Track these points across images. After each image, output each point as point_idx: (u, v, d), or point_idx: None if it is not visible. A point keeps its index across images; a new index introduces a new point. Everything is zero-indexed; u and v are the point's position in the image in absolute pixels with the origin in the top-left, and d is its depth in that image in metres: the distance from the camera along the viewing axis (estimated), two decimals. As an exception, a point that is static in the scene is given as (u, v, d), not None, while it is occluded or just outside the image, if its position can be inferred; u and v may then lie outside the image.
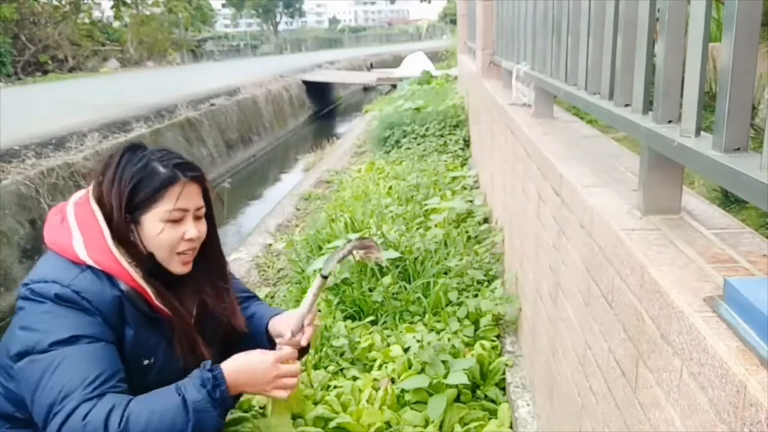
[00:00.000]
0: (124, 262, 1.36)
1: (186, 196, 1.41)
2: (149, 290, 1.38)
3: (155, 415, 1.25)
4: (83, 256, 1.34)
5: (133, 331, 1.38)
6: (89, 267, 1.34)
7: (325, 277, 1.56)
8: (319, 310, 2.77)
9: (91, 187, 1.45)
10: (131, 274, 1.36)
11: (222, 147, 10.21)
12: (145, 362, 1.42)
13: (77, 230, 1.38)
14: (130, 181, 1.38)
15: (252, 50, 37.14)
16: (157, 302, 1.40)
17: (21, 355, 1.29)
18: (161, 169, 1.40)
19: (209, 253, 1.55)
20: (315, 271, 1.57)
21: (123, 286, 1.36)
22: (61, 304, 1.31)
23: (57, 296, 1.30)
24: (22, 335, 1.30)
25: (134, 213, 1.39)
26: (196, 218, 1.45)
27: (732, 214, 1.15)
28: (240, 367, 1.38)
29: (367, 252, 1.62)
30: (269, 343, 1.63)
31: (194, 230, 1.43)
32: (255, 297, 1.83)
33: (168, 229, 1.40)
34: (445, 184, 4.38)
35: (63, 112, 8.57)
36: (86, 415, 1.22)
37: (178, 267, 1.45)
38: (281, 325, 1.61)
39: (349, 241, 1.58)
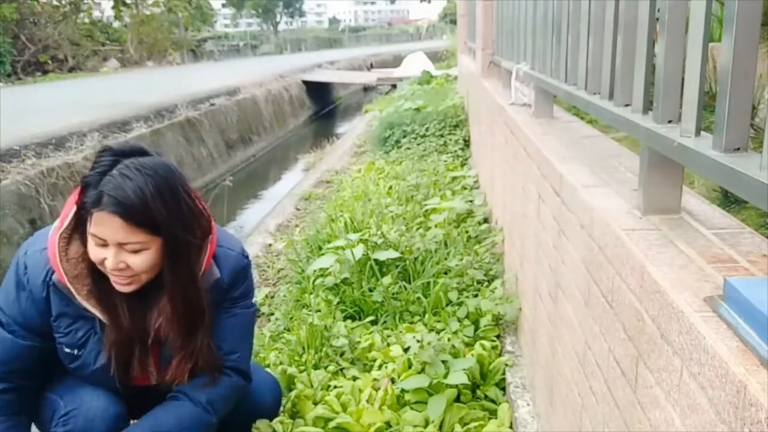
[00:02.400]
0: (57, 254, 1.39)
1: (106, 226, 1.32)
2: (72, 289, 1.40)
3: None
4: (50, 236, 1.42)
5: (54, 317, 1.46)
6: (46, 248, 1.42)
7: None
8: (318, 310, 2.77)
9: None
10: (60, 268, 1.39)
11: (222, 147, 10.21)
12: (67, 350, 1.49)
13: (63, 211, 1.44)
14: (81, 182, 1.37)
15: (252, 50, 37.13)
16: (83, 302, 1.42)
17: None
18: (92, 188, 1.33)
19: (175, 288, 1.44)
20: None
21: (54, 277, 1.41)
22: (16, 272, 1.45)
23: (16, 263, 1.46)
24: None
25: (84, 214, 1.38)
26: (129, 251, 1.35)
27: (732, 214, 1.15)
28: None
29: None
30: None
31: (111, 261, 1.34)
32: (216, 381, 1.63)
33: (92, 247, 1.37)
34: (445, 184, 4.38)
35: (63, 112, 8.56)
36: None
37: (114, 284, 1.41)
38: None
39: None
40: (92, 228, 1.33)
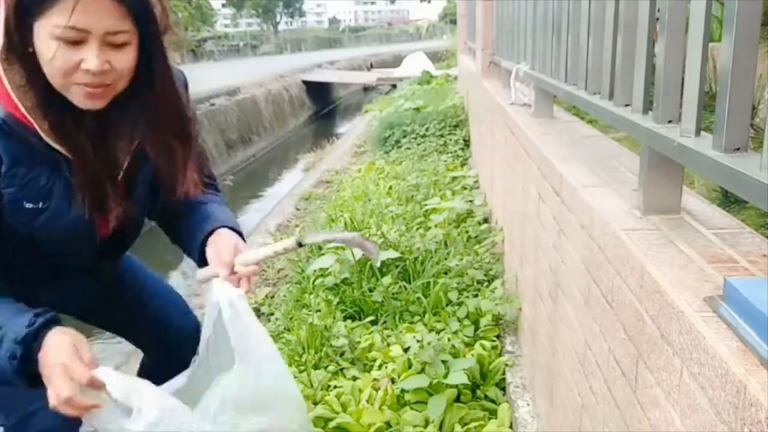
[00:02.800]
0: (6, 81, 1.08)
1: (87, 11, 1.04)
2: (35, 122, 1.10)
3: None
4: None
5: (6, 167, 1.12)
6: None
7: (300, 245, 1.32)
8: (318, 310, 2.77)
9: None
10: (13, 98, 1.08)
11: (222, 147, 10.22)
12: (28, 206, 1.16)
13: None
14: None
15: (252, 50, 37.16)
16: (46, 137, 1.12)
17: None
18: None
19: (160, 94, 1.21)
20: (299, 241, 1.33)
21: (1, 112, 1.09)
22: None
23: None
24: None
25: (26, 18, 1.05)
26: (113, 45, 1.09)
27: (732, 214, 1.15)
28: (58, 347, 1.08)
29: (364, 251, 1.41)
30: (199, 256, 1.35)
31: (95, 61, 1.07)
32: (218, 194, 1.49)
33: (61, 52, 1.05)
34: (445, 184, 4.38)
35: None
36: None
37: (79, 99, 1.11)
38: (226, 246, 1.31)
39: (352, 234, 1.40)
40: (69, 19, 1.03)
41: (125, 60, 1.11)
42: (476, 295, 2.68)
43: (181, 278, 5.22)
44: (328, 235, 1.39)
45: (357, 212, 3.88)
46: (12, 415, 1.29)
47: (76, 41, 1.05)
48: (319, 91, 16.61)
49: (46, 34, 1.04)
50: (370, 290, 2.80)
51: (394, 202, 4.07)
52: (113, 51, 1.09)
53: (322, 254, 3.18)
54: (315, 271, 3.03)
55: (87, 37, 1.05)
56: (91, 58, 1.06)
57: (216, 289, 1.27)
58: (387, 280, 2.83)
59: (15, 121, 1.10)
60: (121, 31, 1.08)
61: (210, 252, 1.31)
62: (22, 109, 1.09)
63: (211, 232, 1.34)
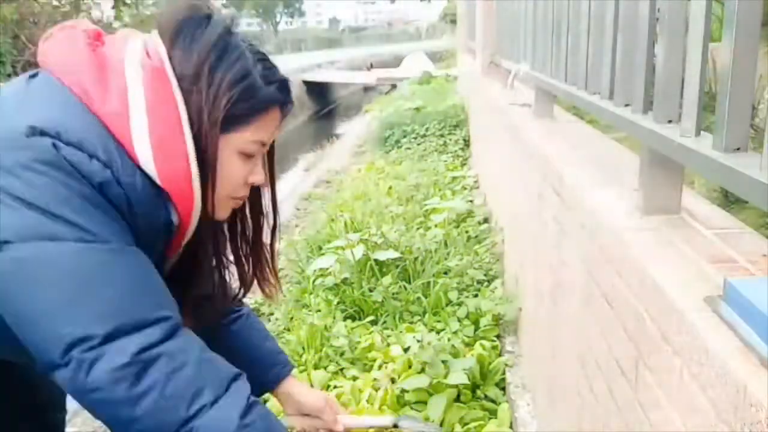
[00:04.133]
0: (197, 189, 0.93)
1: (269, 126, 1.00)
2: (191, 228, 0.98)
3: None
4: (144, 154, 0.88)
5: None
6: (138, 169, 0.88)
7: (395, 426, 1.38)
8: (318, 310, 2.77)
9: (161, 52, 0.93)
10: (195, 206, 0.95)
11: (222, 147, 10.20)
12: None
13: (142, 110, 0.88)
14: (229, 91, 0.94)
15: (252, 50, 37.04)
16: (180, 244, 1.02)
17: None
18: (263, 87, 0.97)
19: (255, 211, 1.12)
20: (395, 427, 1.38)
21: (174, 217, 0.94)
22: (98, 199, 0.86)
23: (101, 186, 0.85)
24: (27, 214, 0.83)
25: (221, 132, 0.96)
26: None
27: (732, 214, 1.15)
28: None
29: None
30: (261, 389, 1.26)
31: (261, 175, 1.02)
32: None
33: (239, 165, 0.98)
34: (445, 184, 4.38)
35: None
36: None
37: (224, 213, 1.03)
38: (317, 396, 1.30)
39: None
40: (260, 134, 0.98)
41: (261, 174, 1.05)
42: (476, 295, 2.68)
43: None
44: (425, 426, 1.43)
45: (357, 212, 3.88)
46: None
47: (251, 155, 0.99)
48: (319, 91, 16.61)
49: (232, 148, 0.97)
50: (370, 290, 2.80)
51: (394, 202, 4.07)
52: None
53: (322, 254, 3.18)
54: (315, 271, 3.03)
55: (260, 150, 1.01)
56: (258, 172, 1.02)
57: None
58: (387, 280, 2.83)
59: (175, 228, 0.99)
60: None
61: (311, 402, 1.28)
62: (195, 216, 0.97)
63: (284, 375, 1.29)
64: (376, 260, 2.91)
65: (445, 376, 2.10)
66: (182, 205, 0.94)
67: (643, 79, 1.14)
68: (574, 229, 1.39)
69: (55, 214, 0.81)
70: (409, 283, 2.84)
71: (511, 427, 1.99)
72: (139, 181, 0.88)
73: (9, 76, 18.56)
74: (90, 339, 0.79)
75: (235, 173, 0.98)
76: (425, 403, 2.06)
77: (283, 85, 1.02)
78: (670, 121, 1.05)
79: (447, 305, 2.65)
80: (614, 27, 1.31)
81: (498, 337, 2.44)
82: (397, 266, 2.92)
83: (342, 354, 2.42)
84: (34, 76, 0.93)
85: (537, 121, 2.23)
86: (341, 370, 2.36)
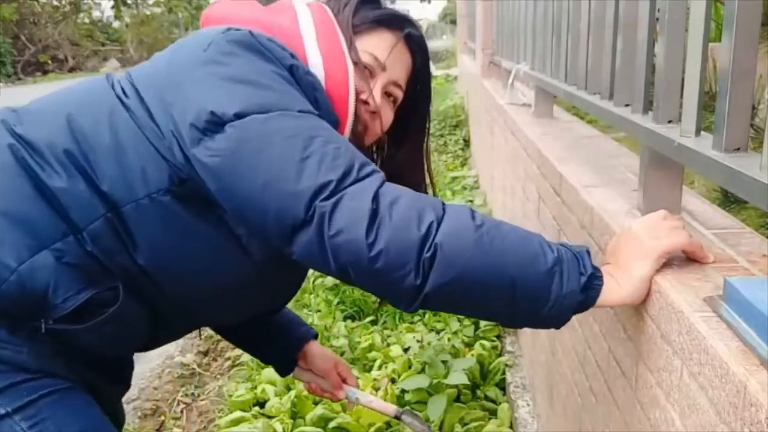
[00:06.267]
0: (353, 91, 1.02)
1: (393, 53, 1.09)
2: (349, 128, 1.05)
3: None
4: (315, 59, 0.99)
5: None
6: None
7: (397, 418, 1.45)
8: (318, 310, 2.77)
9: None
10: (350, 110, 1.03)
11: (222, 147, 10.21)
12: None
13: (311, 23, 1.02)
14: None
15: (252, 50, 37.08)
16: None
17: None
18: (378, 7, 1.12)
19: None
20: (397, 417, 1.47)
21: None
22: (283, 73, 0.94)
23: (291, 68, 0.94)
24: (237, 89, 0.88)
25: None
26: (386, 95, 1.12)
27: (732, 214, 1.15)
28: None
29: None
30: (286, 356, 1.45)
31: (377, 97, 1.08)
32: None
33: (356, 73, 1.04)
34: (445, 184, 4.38)
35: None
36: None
37: (364, 124, 1.09)
38: (326, 358, 1.44)
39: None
40: (375, 47, 1.08)
41: (389, 119, 1.13)
42: (476, 295, 2.67)
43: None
44: (424, 426, 1.45)
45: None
46: None
47: (369, 69, 1.08)
48: (319, 91, 16.59)
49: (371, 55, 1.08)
50: (370, 290, 2.80)
51: (394, 202, 4.07)
52: (384, 100, 1.11)
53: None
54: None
55: (377, 72, 1.09)
56: (375, 90, 1.08)
57: None
58: (387, 280, 2.82)
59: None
60: (399, 86, 1.12)
61: (319, 362, 1.43)
62: (350, 120, 1.05)
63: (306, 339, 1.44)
64: (376, 260, 2.91)
65: (445, 376, 2.10)
66: (340, 109, 1.01)
67: (643, 79, 1.14)
68: (574, 229, 1.39)
69: (264, 85, 0.88)
70: (409, 283, 2.84)
71: (511, 427, 1.99)
72: (316, 79, 0.97)
73: (9, 76, 18.60)
74: (327, 186, 0.81)
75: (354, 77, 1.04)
76: (425, 403, 2.06)
77: (395, 15, 1.11)
78: (670, 121, 1.05)
79: (447, 305, 2.65)
80: (614, 27, 1.31)
81: (498, 337, 2.44)
82: (397, 266, 2.92)
83: (342, 354, 2.42)
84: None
85: (537, 121, 2.23)
86: (341, 370, 2.36)
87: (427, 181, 1.26)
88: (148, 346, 1.13)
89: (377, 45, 1.08)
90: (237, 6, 1.05)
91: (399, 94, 1.13)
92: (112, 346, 1.02)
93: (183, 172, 0.91)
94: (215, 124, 0.85)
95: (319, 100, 0.96)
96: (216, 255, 0.97)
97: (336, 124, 0.99)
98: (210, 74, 0.89)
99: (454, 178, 4.53)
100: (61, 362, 0.95)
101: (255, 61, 0.91)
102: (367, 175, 0.85)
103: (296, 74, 0.94)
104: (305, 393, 2.14)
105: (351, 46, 1.04)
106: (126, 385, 1.17)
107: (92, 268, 0.91)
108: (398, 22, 1.11)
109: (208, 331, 1.53)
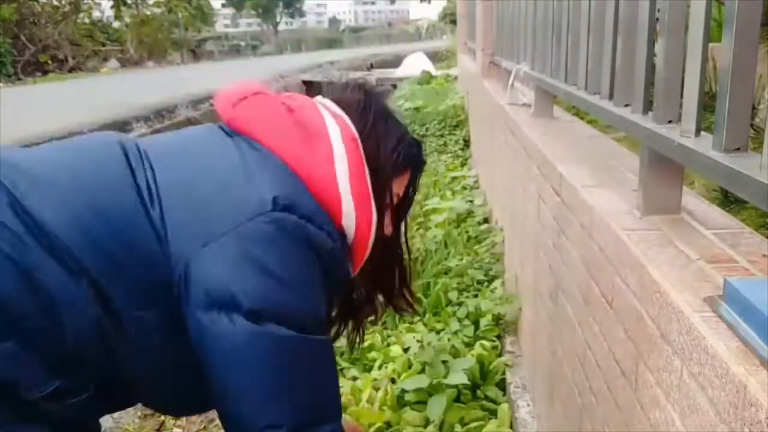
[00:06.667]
0: (373, 235, 1.03)
1: (404, 184, 1.16)
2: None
3: None
4: (348, 210, 0.97)
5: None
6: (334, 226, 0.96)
7: None
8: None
9: (346, 119, 1.05)
10: (367, 253, 1.05)
11: (222, 147, 10.21)
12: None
13: (346, 173, 0.97)
14: (395, 148, 1.09)
15: (252, 50, 37.19)
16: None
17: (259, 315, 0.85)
18: (413, 147, 1.14)
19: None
20: None
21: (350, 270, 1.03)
22: (315, 260, 0.91)
23: (325, 254, 0.92)
24: (269, 284, 0.86)
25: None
26: None
27: (732, 214, 1.15)
28: None
29: None
30: None
31: (390, 228, 1.14)
32: None
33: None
34: (445, 184, 4.38)
35: (63, 113, 8.57)
36: None
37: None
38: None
39: None
40: (397, 187, 1.12)
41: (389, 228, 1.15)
42: (476, 295, 2.68)
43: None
44: None
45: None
46: None
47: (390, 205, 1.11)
48: (319, 92, 16.58)
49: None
50: (370, 290, 2.80)
51: (394, 202, 4.07)
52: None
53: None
54: None
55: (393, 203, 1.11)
56: (388, 224, 1.11)
57: None
58: (387, 280, 2.82)
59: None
60: (399, 195, 1.14)
61: None
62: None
63: None
64: (376, 260, 2.91)
65: (445, 376, 2.09)
66: (360, 255, 1.03)
67: (643, 79, 1.14)
68: (574, 229, 1.39)
69: (292, 287, 0.87)
70: (409, 283, 2.84)
71: (511, 427, 1.99)
72: (340, 242, 0.96)
73: (9, 76, 18.57)
74: (279, 428, 0.85)
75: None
76: (425, 403, 2.06)
77: (421, 149, 1.16)
78: (670, 121, 1.05)
79: (447, 305, 2.65)
80: (614, 27, 1.31)
81: (498, 337, 2.44)
82: (397, 266, 2.92)
83: (342, 354, 2.42)
84: (229, 134, 1.00)
85: (537, 121, 2.23)
86: (341, 370, 2.36)
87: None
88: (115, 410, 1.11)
89: (399, 183, 1.12)
90: (275, 123, 0.99)
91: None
92: (76, 417, 0.96)
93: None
94: (229, 308, 0.83)
95: (337, 269, 0.96)
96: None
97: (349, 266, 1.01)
98: (246, 252, 0.85)
99: (454, 178, 4.52)
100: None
101: (294, 257, 0.88)
102: (326, 424, 0.90)
103: (326, 261, 0.92)
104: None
105: (383, 196, 1.06)
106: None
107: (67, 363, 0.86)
108: (421, 164, 1.16)
109: None
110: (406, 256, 1.24)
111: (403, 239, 1.22)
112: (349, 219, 0.97)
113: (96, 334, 0.86)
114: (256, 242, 0.86)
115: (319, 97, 1.10)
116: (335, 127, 1.00)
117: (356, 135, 1.02)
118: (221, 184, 0.91)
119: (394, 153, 1.08)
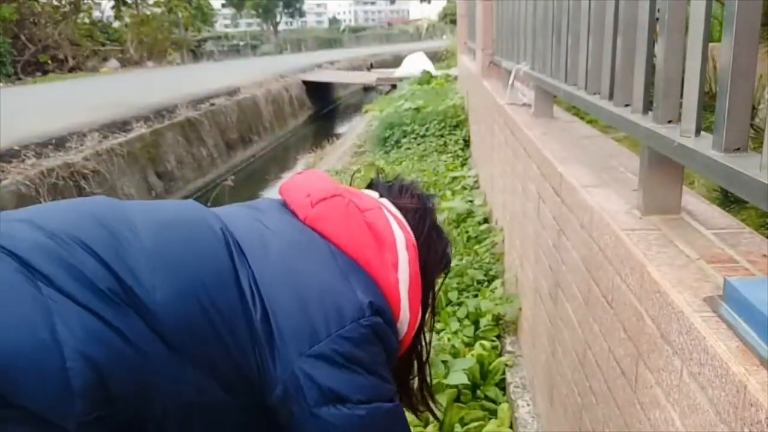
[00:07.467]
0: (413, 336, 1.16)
1: None
2: None
3: None
4: (405, 309, 1.07)
5: None
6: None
7: None
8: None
9: (406, 226, 1.14)
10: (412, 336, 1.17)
11: (222, 147, 10.22)
12: None
13: (407, 277, 1.08)
14: (442, 259, 1.22)
15: (252, 50, 37.19)
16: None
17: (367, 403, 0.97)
18: (447, 256, 1.26)
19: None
20: None
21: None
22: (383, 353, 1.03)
23: (388, 346, 1.04)
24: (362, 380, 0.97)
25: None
26: None
27: (732, 214, 1.15)
28: None
29: None
30: None
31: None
32: None
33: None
34: (445, 184, 4.38)
35: (63, 112, 8.57)
36: None
37: None
38: None
39: None
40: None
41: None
42: (476, 295, 2.68)
43: None
44: None
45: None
46: None
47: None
48: (319, 91, 16.60)
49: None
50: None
51: (394, 202, 4.06)
52: None
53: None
54: None
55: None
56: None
57: None
58: (387, 280, 2.82)
59: None
60: None
61: None
62: None
63: None
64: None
65: (445, 376, 2.09)
66: (405, 341, 1.13)
67: (643, 79, 1.14)
68: (574, 229, 1.39)
69: (383, 378, 1.00)
70: (409, 283, 2.84)
71: (511, 427, 1.99)
72: (397, 342, 1.08)
73: (9, 76, 18.56)
74: None
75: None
76: (425, 403, 2.06)
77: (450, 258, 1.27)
78: (670, 121, 1.05)
79: (447, 305, 2.65)
80: (614, 27, 1.31)
81: (498, 337, 2.44)
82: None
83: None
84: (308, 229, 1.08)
85: (537, 120, 2.23)
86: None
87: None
88: None
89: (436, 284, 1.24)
90: (351, 230, 1.07)
91: None
92: None
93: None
94: (343, 401, 0.94)
95: (393, 355, 1.07)
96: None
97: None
98: (351, 353, 0.95)
99: (454, 178, 4.53)
100: None
101: (380, 353, 1.00)
102: None
103: (388, 356, 1.03)
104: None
105: (427, 299, 1.18)
106: None
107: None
108: (450, 267, 1.27)
109: None
110: (425, 352, 1.30)
111: (421, 336, 1.29)
112: (403, 324, 1.09)
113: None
114: (358, 343, 0.97)
115: (383, 200, 1.17)
116: (401, 234, 1.09)
117: (415, 242, 1.12)
118: (322, 287, 1.00)
119: (441, 261, 1.21)
